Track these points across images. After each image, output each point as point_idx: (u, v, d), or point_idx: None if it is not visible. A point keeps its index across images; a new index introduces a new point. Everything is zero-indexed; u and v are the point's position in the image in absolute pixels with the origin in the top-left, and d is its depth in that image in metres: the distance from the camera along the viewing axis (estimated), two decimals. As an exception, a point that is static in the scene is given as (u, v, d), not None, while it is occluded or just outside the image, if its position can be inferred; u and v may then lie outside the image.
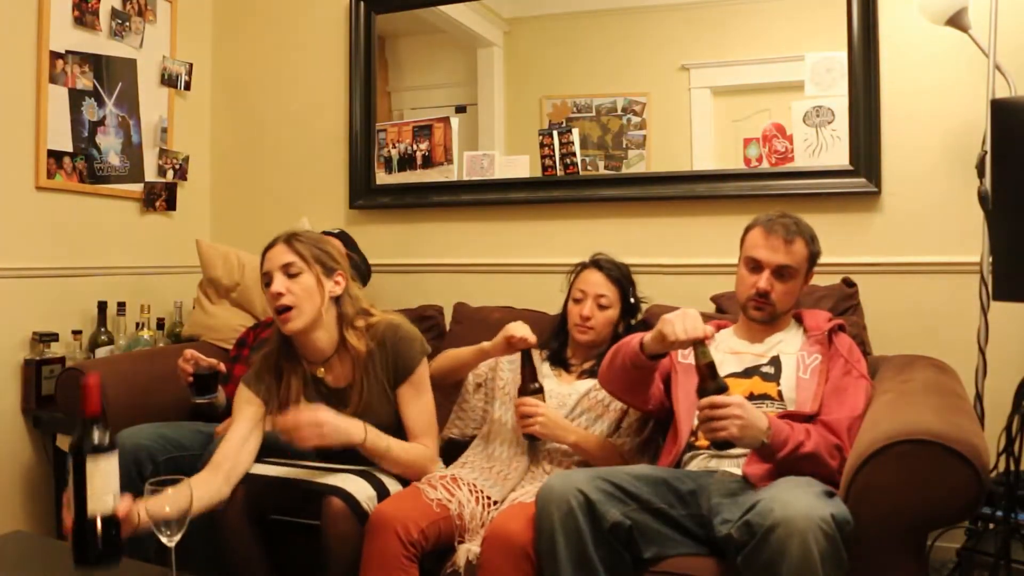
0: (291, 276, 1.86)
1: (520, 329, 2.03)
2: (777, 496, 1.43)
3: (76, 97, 2.74)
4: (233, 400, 2.11)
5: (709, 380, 1.62)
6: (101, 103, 2.83)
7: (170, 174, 3.09)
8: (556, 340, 2.23)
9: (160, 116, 3.06)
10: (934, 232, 2.32)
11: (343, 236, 2.58)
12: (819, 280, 2.27)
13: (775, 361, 1.89)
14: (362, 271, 2.57)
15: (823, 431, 1.69)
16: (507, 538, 1.62)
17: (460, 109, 2.94)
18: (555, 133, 2.73)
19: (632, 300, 2.19)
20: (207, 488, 1.73)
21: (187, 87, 3.15)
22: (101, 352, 2.64)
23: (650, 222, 2.63)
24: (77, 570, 1.36)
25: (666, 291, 2.44)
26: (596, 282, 2.14)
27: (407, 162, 2.93)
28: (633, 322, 2.21)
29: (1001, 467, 1.92)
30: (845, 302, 2.21)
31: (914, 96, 2.34)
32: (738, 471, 1.69)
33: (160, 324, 2.86)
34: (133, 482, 1.86)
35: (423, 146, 2.90)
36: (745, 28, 2.56)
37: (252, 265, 2.80)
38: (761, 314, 1.91)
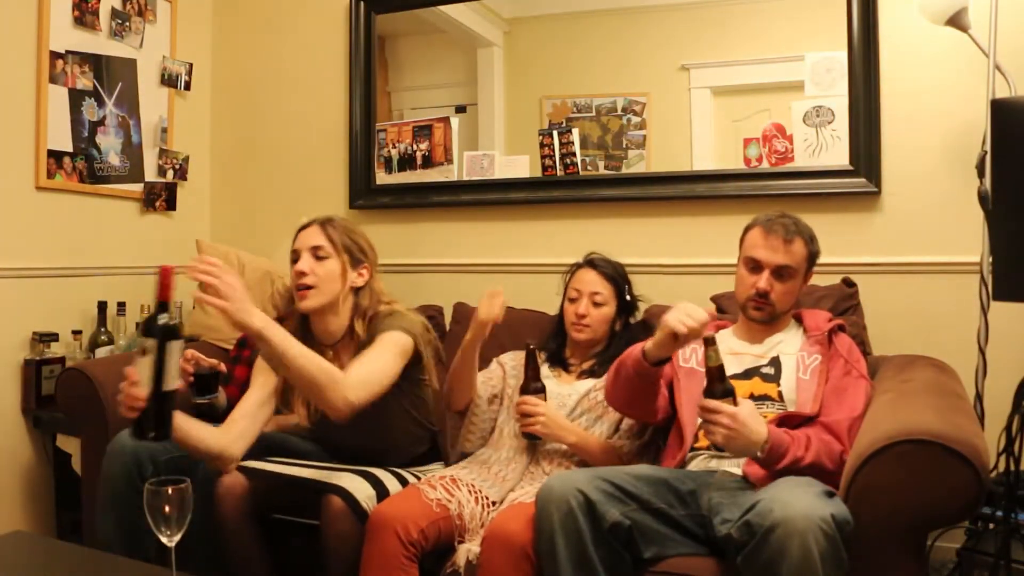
0: (318, 258, 1.94)
1: (484, 310, 1.96)
2: (777, 496, 1.43)
3: (76, 97, 2.74)
4: (228, 399, 2.12)
5: (716, 383, 1.62)
6: (101, 103, 2.83)
7: (170, 174, 3.09)
8: (554, 341, 2.23)
9: (160, 116, 3.06)
10: (934, 232, 2.32)
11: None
12: (819, 280, 2.27)
13: (775, 362, 1.89)
14: None
15: (823, 434, 1.69)
16: (507, 538, 1.62)
17: (460, 109, 2.94)
18: (555, 133, 2.72)
19: (628, 297, 2.19)
20: (221, 438, 1.80)
21: (187, 87, 3.15)
22: (101, 352, 2.64)
23: (650, 222, 2.63)
24: (133, 440, 1.49)
25: (666, 291, 2.44)
26: (590, 280, 2.15)
27: (407, 162, 2.93)
28: (631, 320, 2.22)
29: (1001, 467, 1.92)
30: (845, 302, 2.21)
31: (914, 96, 2.34)
32: (738, 471, 1.70)
33: (160, 324, 2.86)
34: (133, 482, 1.86)
35: (423, 146, 2.90)
36: (745, 28, 2.56)
37: (252, 265, 2.80)
38: (761, 314, 1.91)
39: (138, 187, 2.99)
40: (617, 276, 2.18)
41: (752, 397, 1.84)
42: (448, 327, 2.63)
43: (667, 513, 1.62)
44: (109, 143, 2.86)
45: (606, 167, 2.74)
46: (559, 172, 2.73)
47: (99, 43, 2.83)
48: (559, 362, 2.19)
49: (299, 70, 3.15)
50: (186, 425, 1.73)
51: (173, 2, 3.11)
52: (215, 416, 2.21)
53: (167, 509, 1.34)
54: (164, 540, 1.37)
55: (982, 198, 2.03)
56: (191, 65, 3.15)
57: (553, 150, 2.73)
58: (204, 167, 3.28)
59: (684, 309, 1.67)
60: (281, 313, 2.31)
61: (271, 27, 3.21)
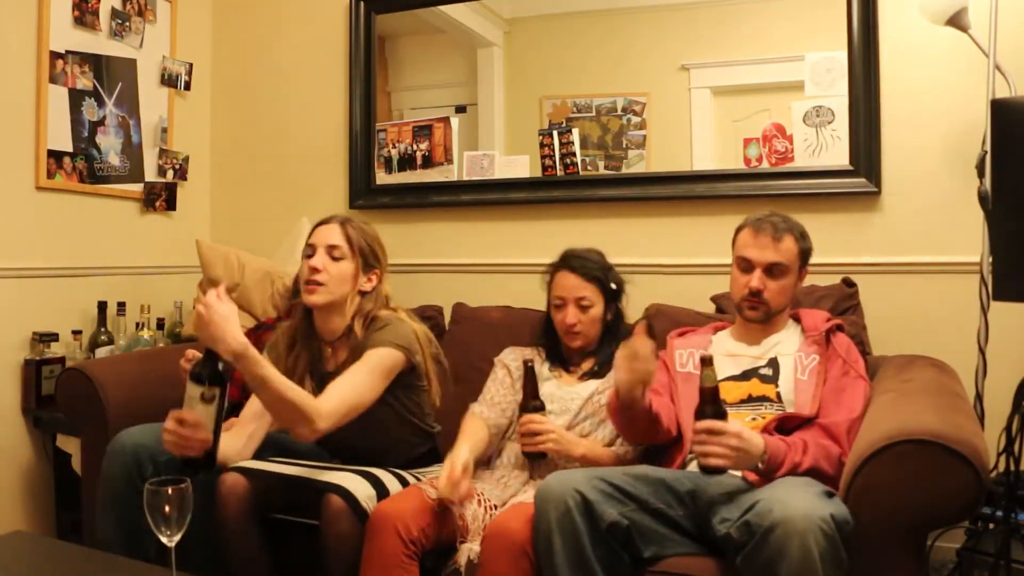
0: (333, 258, 1.96)
1: (444, 488, 1.76)
2: (776, 496, 1.43)
3: (76, 97, 2.74)
4: (229, 400, 2.11)
5: (709, 405, 1.60)
6: (101, 103, 2.83)
7: (170, 174, 3.09)
8: (547, 339, 2.18)
9: (160, 116, 3.06)
10: (934, 232, 2.32)
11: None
12: (819, 280, 2.27)
13: (773, 363, 1.89)
14: None
15: (820, 438, 1.69)
16: (506, 536, 1.62)
17: (460, 109, 2.94)
18: (555, 133, 2.72)
19: (613, 285, 2.11)
20: (234, 443, 1.87)
21: (187, 87, 3.15)
22: (101, 352, 2.64)
23: (650, 222, 2.63)
24: (187, 474, 1.49)
25: (666, 291, 2.45)
26: (572, 286, 2.08)
27: (407, 162, 2.93)
28: (620, 304, 2.14)
29: (1001, 467, 1.92)
30: (845, 302, 2.21)
31: (914, 96, 2.34)
32: (737, 472, 1.69)
33: (160, 324, 2.86)
34: (133, 482, 1.86)
35: (423, 146, 2.90)
36: (745, 28, 2.56)
37: (252, 266, 2.80)
38: (756, 313, 1.91)
39: (138, 187, 2.99)
40: (598, 271, 2.09)
41: (750, 398, 1.84)
42: (448, 327, 2.63)
43: (665, 513, 1.62)
44: (109, 143, 2.86)
45: (606, 167, 2.74)
46: (559, 172, 2.73)
47: (99, 43, 2.83)
48: (559, 361, 2.16)
49: (299, 70, 3.15)
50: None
51: (173, 2, 3.11)
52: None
53: (167, 509, 1.34)
54: (164, 540, 1.37)
55: (982, 198, 2.03)
56: (191, 65, 3.15)
57: (553, 150, 2.73)
58: (204, 167, 3.27)
59: (624, 357, 1.64)
60: (281, 313, 2.32)
61: (271, 27, 3.21)
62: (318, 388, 1.88)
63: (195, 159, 3.19)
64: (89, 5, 2.77)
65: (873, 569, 1.45)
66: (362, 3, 2.98)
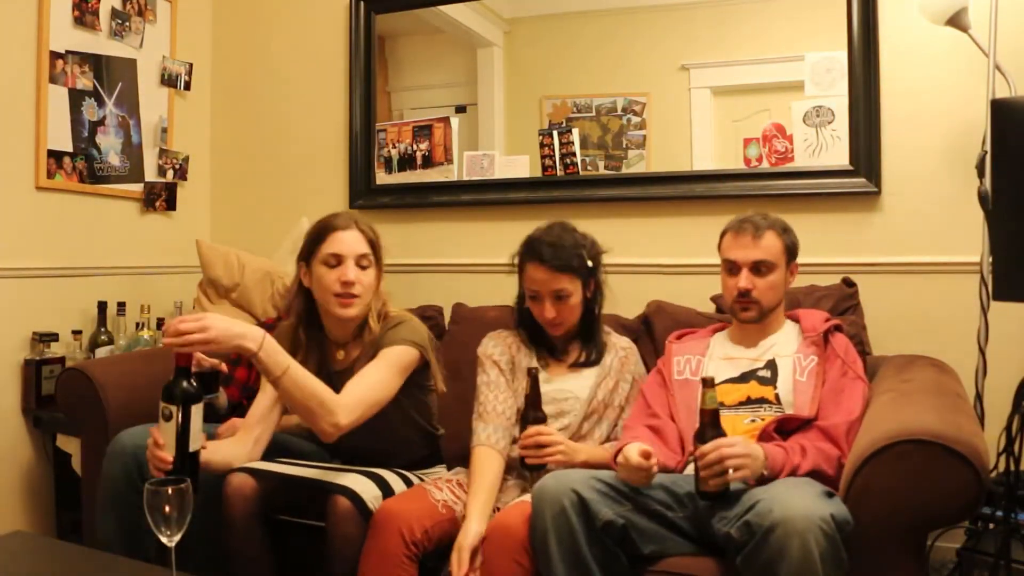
0: (362, 267, 1.92)
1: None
2: (777, 496, 1.43)
3: (76, 97, 2.74)
4: (229, 400, 2.11)
5: (710, 428, 1.60)
6: (101, 103, 2.83)
7: (170, 174, 3.09)
8: (527, 326, 2.07)
9: (160, 116, 3.06)
10: (934, 232, 2.32)
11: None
12: (819, 280, 2.27)
13: (771, 364, 1.89)
14: None
15: (819, 442, 1.69)
16: (506, 535, 1.63)
17: (460, 109, 2.94)
18: (555, 133, 2.72)
19: (590, 264, 1.98)
20: (240, 449, 1.86)
21: (187, 87, 3.15)
22: (101, 352, 2.64)
23: (650, 222, 2.63)
24: None
25: (666, 291, 2.45)
26: (545, 279, 1.94)
27: (407, 162, 2.93)
28: (599, 278, 2.03)
29: (1001, 467, 1.92)
30: (845, 302, 2.21)
31: (914, 96, 2.34)
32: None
33: (160, 324, 2.86)
34: (133, 482, 1.86)
35: (423, 146, 2.90)
36: (745, 28, 2.56)
37: (252, 266, 2.80)
38: (749, 314, 1.91)
39: (138, 187, 2.99)
40: (573, 258, 1.94)
41: (749, 400, 1.84)
42: (447, 327, 2.63)
43: (663, 514, 1.62)
44: (109, 143, 2.86)
45: (606, 167, 2.74)
46: (559, 172, 2.72)
47: (99, 43, 2.83)
48: (548, 349, 2.06)
49: (299, 70, 3.15)
50: (211, 449, 1.75)
51: (173, 2, 3.11)
52: (215, 416, 2.21)
53: (167, 509, 1.34)
54: (164, 540, 1.37)
55: (982, 198, 2.03)
56: (191, 65, 3.15)
57: (553, 150, 2.73)
58: (204, 167, 3.27)
59: (626, 472, 1.62)
60: (281, 313, 2.31)
61: (271, 27, 3.21)
62: (331, 386, 1.86)
63: (195, 159, 3.19)
64: (89, 5, 2.77)
65: (873, 569, 1.45)
66: (362, 3, 2.98)
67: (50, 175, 2.67)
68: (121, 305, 2.75)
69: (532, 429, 1.81)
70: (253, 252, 2.90)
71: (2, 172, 2.55)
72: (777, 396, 1.83)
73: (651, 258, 2.57)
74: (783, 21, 2.49)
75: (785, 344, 1.92)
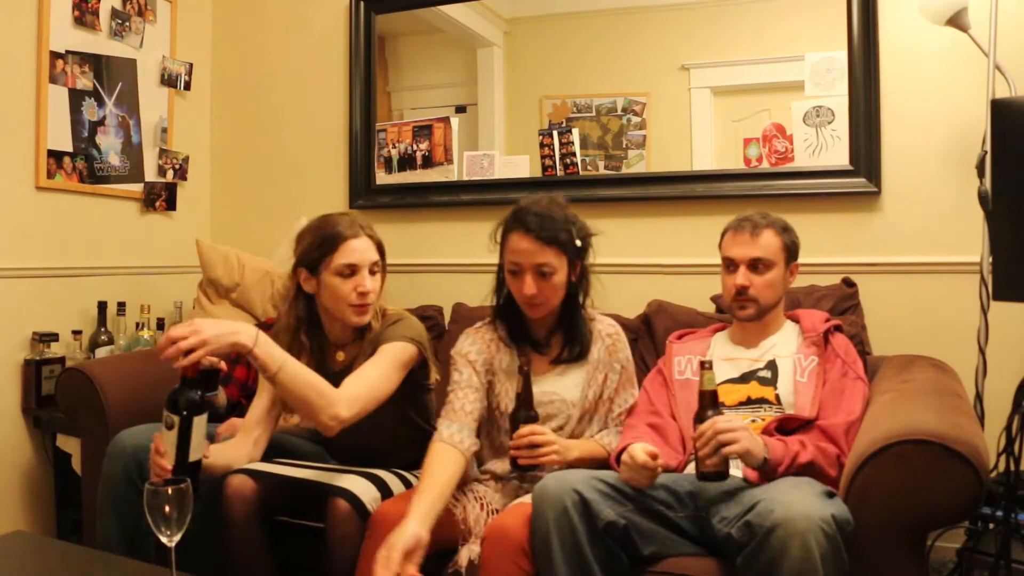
0: (373, 273, 1.92)
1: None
2: (777, 497, 1.43)
3: (76, 97, 2.74)
4: (229, 399, 2.11)
5: (709, 408, 1.60)
6: (101, 103, 2.83)
7: (170, 174, 3.09)
8: (506, 315, 1.96)
9: (160, 116, 3.06)
10: (934, 232, 2.32)
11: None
12: (819, 280, 2.27)
13: (771, 365, 1.89)
14: None
15: (819, 441, 1.69)
16: (505, 536, 1.62)
17: (460, 109, 2.94)
18: (555, 133, 2.73)
19: (578, 242, 1.85)
20: (241, 451, 1.87)
21: (187, 87, 3.15)
22: (101, 352, 2.64)
23: (650, 222, 2.63)
24: None
25: (666, 291, 2.45)
26: (529, 250, 1.80)
27: (407, 162, 2.93)
28: (585, 262, 1.91)
29: (1001, 467, 1.92)
30: (845, 302, 2.21)
31: (914, 96, 2.34)
32: (738, 472, 1.69)
33: (160, 324, 2.86)
34: (133, 482, 1.86)
35: (423, 146, 2.90)
36: (745, 28, 2.56)
37: (252, 266, 2.80)
38: (746, 312, 1.91)
39: (138, 187, 2.99)
40: (561, 231, 1.81)
41: (749, 401, 1.84)
42: (448, 327, 2.63)
43: (664, 514, 1.62)
44: (109, 143, 2.86)
45: (606, 167, 2.74)
46: (559, 172, 2.73)
47: (99, 43, 2.83)
48: (530, 343, 1.95)
49: (299, 70, 3.15)
50: (212, 454, 1.77)
51: (173, 2, 3.11)
52: (215, 415, 2.21)
53: (167, 509, 1.34)
54: (164, 540, 1.37)
55: (982, 198, 2.03)
56: (191, 65, 3.15)
57: (553, 150, 2.73)
58: (204, 167, 3.28)
59: (630, 472, 1.62)
60: (281, 313, 2.31)
61: (271, 27, 3.21)
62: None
63: (195, 159, 3.19)
64: (89, 5, 2.77)
65: (873, 569, 1.45)
66: (362, 3, 2.98)
67: (50, 175, 2.67)
68: (121, 305, 2.75)
69: (525, 429, 1.74)
70: (253, 252, 2.90)
71: (2, 172, 2.55)
72: (777, 397, 1.83)
73: (651, 258, 2.57)
74: (783, 21, 2.50)
75: (785, 344, 1.92)
